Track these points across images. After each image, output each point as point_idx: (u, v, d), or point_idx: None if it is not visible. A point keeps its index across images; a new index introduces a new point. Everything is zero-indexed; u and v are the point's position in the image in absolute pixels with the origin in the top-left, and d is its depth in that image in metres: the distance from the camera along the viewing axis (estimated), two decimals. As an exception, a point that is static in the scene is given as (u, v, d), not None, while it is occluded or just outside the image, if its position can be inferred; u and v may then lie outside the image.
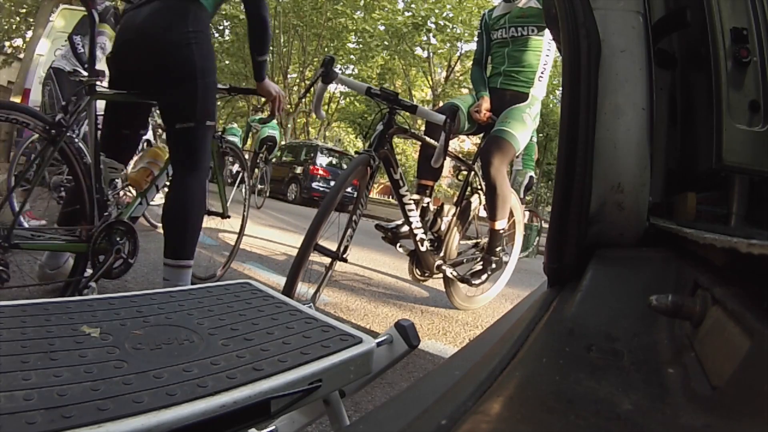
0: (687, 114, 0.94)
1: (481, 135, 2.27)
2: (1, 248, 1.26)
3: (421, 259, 1.98)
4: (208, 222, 2.16)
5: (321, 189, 10.16)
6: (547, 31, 2.07)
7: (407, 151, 19.87)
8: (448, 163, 2.14)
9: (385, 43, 15.45)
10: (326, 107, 17.88)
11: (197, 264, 1.52)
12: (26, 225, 2.11)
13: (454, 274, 2.08)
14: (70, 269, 1.50)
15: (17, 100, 6.23)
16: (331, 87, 1.91)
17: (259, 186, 7.38)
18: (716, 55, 0.80)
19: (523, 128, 2.03)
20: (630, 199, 0.78)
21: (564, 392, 0.37)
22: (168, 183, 1.68)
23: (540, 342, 0.50)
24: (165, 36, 1.43)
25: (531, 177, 4.90)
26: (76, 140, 1.47)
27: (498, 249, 2.15)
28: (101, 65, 3.20)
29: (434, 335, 1.90)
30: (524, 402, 0.36)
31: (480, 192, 2.17)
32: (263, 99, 1.81)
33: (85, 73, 2.82)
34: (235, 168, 6.26)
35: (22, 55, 11.53)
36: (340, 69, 13.84)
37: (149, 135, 2.95)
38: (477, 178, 2.16)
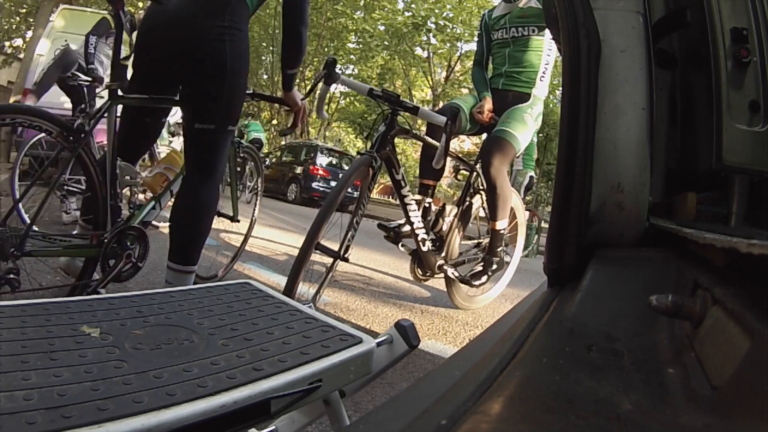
0: (687, 114, 0.94)
1: (483, 135, 2.27)
2: (14, 256, 1.26)
3: (423, 259, 1.98)
4: (216, 224, 2.16)
5: (321, 189, 10.16)
6: (547, 31, 2.07)
7: (407, 151, 19.87)
8: (449, 163, 2.14)
9: (385, 43, 15.44)
10: (326, 107, 17.84)
11: (198, 264, 1.51)
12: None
13: (456, 274, 2.08)
14: (79, 271, 1.49)
15: (17, 100, 6.23)
16: (332, 87, 1.90)
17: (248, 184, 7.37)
18: (716, 55, 0.80)
19: (524, 128, 2.03)
20: (630, 199, 0.77)
21: (564, 392, 0.37)
22: None
23: (540, 342, 0.50)
24: (197, 24, 1.34)
25: (531, 177, 4.89)
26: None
27: (499, 249, 2.15)
28: (102, 70, 3.19)
29: (434, 335, 1.90)
30: (524, 402, 0.36)
31: (482, 192, 2.17)
32: (268, 106, 1.80)
33: (83, 76, 2.82)
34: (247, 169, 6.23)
35: (22, 55, 11.55)
36: (340, 69, 13.82)
37: None
38: (479, 179, 2.16)
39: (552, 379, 0.39)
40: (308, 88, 1.68)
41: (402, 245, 2.04)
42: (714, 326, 0.42)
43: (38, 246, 1.33)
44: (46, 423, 0.40)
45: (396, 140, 1.80)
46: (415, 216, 1.88)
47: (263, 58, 16.93)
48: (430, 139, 1.98)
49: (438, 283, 2.32)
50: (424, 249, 1.93)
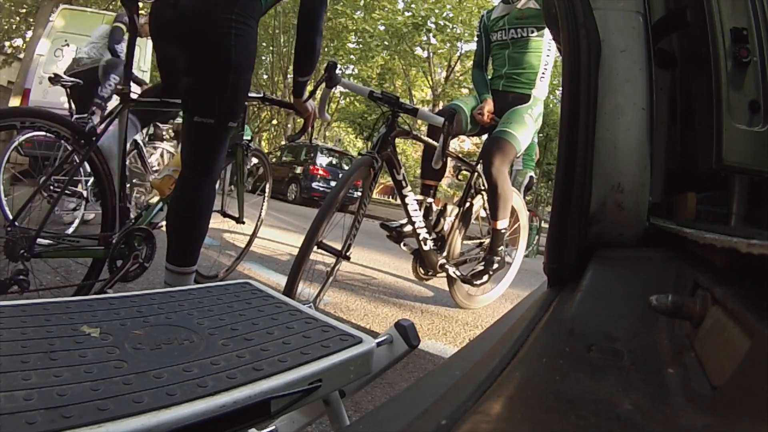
0: (687, 114, 0.94)
1: (484, 136, 2.28)
2: (23, 258, 1.26)
3: (425, 258, 2.00)
4: (221, 224, 2.16)
5: (321, 189, 10.16)
6: (547, 31, 2.07)
7: (407, 151, 19.89)
8: (450, 164, 2.15)
9: (385, 43, 15.46)
10: (327, 107, 17.87)
11: (199, 263, 1.51)
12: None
13: (457, 273, 2.09)
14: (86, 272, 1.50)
15: (17, 100, 6.23)
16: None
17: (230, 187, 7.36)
18: (716, 55, 0.80)
19: (525, 129, 2.04)
20: (630, 199, 0.77)
21: (564, 392, 0.37)
22: None
23: (540, 342, 0.50)
24: (204, 15, 1.30)
25: (531, 177, 4.89)
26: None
27: (500, 249, 2.16)
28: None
29: (434, 335, 1.90)
30: (524, 402, 0.36)
31: (483, 193, 2.18)
32: (268, 106, 1.81)
33: (71, 80, 2.85)
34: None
35: (22, 55, 11.55)
36: (340, 69, 13.85)
37: (138, 137, 2.78)
38: (480, 179, 2.17)
39: (552, 379, 0.39)
40: (309, 91, 1.68)
41: (404, 245, 2.06)
42: (714, 326, 0.42)
43: (47, 248, 1.34)
44: (46, 423, 0.40)
45: (396, 141, 1.82)
46: (417, 216, 1.89)
47: (263, 58, 16.94)
48: (430, 140, 1.99)
49: (438, 283, 2.32)
50: (426, 248, 1.94)
